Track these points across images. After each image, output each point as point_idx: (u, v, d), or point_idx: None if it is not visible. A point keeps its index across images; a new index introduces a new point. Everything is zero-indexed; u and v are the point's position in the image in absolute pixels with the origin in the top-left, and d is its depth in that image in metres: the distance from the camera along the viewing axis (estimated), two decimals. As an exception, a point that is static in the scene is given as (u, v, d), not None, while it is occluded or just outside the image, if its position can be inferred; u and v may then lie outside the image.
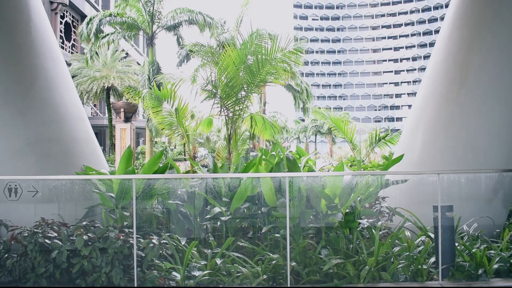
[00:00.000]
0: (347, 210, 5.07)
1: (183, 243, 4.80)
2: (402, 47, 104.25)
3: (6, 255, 4.54)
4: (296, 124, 52.96)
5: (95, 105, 35.69)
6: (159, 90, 8.42)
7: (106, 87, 26.99)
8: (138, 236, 4.52)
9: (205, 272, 4.37)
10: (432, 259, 4.70)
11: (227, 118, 8.08)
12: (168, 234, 4.92)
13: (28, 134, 5.74)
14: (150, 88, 8.07)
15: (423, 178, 5.62)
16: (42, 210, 4.95)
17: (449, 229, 4.65)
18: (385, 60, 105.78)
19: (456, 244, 4.77)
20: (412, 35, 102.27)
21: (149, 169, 5.40)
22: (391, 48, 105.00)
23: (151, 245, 4.39)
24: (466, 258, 4.72)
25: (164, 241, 4.58)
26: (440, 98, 6.25)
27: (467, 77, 5.96)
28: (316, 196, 4.95)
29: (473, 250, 4.75)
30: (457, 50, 6.20)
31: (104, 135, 31.53)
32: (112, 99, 28.12)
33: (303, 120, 53.10)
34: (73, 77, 26.40)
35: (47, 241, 4.39)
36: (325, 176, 5.18)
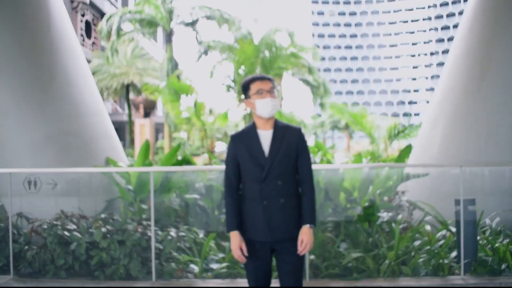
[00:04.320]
0: (366, 204, 5.00)
1: (201, 236, 4.80)
2: (420, 42, 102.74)
3: (27, 247, 4.59)
4: (313, 119, 52.67)
5: (115, 101, 36.03)
6: (180, 86, 8.43)
7: (125, 83, 27.22)
8: (156, 228, 4.53)
9: (223, 264, 4.37)
10: (454, 254, 4.60)
11: (244, 113, 8.09)
12: (186, 227, 4.93)
13: (48, 128, 5.80)
14: (171, 83, 8.08)
15: (444, 172, 5.51)
16: (63, 204, 4.99)
17: (471, 223, 4.55)
18: (403, 55, 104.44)
19: (479, 238, 4.66)
20: (430, 30, 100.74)
21: (166, 163, 5.42)
22: (408, 43, 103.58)
23: (169, 237, 4.40)
24: (489, 252, 4.61)
25: (182, 233, 4.58)
26: (460, 92, 6.14)
27: (488, 70, 5.83)
28: (334, 189, 4.89)
29: (496, 245, 4.63)
30: (477, 43, 6.08)
31: (124, 131, 31.82)
32: (131, 96, 28.36)
33: (320, 116, 52.79)
34: (93, 73, 26.70)
35: (66, 233, 4.43)
36: (344, 168, 5.11)
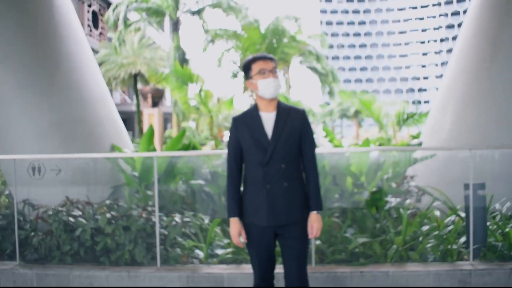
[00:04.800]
0: (374, 189, 4.93)
1: (206, 222, 4.78)
2: (430, 29, 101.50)
3: (33, 234, 4.60)
4: (321, 108, 52.46)
5: (123, 92, 36.12)
6: (185, 72, 8.35)
7: (133, 73, 27.24)
8: (161, 214, 4.51)
9: (228, 250, 4.34)
10: (463, 239, 4.53)
11: (251, 100, 8.02)
12: (192, 213, 4.90)
13: (53, 115, 5.78)
14: (176, 70, 8.02)
15: (454, 156, 5.42)
16: (68, 191, 4.98)
17: (481, 208, 4.46)
18: (412, 42, 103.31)
19: (488, 223, 4.58)
20: (440, 16, 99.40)
21: (171, 149, 5.39)
22: (418, 30, 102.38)
23: (174, 223, 4.37)
24: (499, 238, 4.52)
25: (187, 219, 4.56)
26: (470, 75, 6.02)
27: (498, 52, 5.71)
28: (341, 174, 4.83)
29: (506, 230, 4.55)
30: (488, 25, 5.94)
31: (133, 121, 31.94)
32: (139, 85, 28.40)
33: (329, 104, 52.58)
34: (101, 64, 26.74)
35: (71, 219, 4.42)
36: (350, 152, 5.03)
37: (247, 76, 2.97)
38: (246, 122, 2.95)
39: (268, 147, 2.86)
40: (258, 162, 2.89)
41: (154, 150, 5.35)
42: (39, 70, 5.84)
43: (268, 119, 2.93)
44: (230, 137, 3.01)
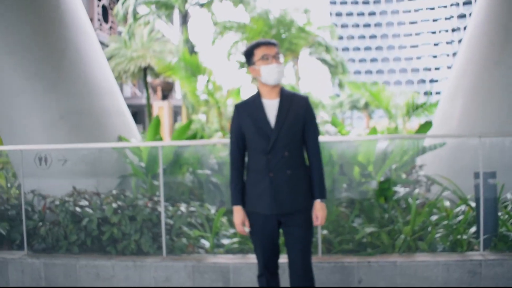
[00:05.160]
0: (382, 178, 4.87)
1: (213, 212, 4.76)
2: (441, 19, 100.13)
3: (41, 224, 4.62)
4: (331, 99, 52.17)
5: (134, 85, 36.23)
6: (193, 62, 8.28)
7: (143, 66, 27.30)
8: (167, 204, 4.50)
9: (234, 240, 4.32)
10: (473, 229, 4.44)
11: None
12: (198, 203, 4.88)
13: (60, 107, 5.78)
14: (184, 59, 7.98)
15: (463, 144, 5.33)
16: (76, 182, 4.98)
17: (492, 197, 4.38)
18: (423, 33, 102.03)
19: (499, 213, 4.50)
20: (451, 5, 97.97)
21: (177, 138, 5.37)
22: (429, 20, 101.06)
23: (179, 212, 4.36)
24: (510, 228, 4.44)
25: (193, 208, 4.54)
26: (481, 61, 5.91)
27: (510, 38, 5.58)
28: (349, 164, 4.77)
29: (518, 219, 4.47)
30: (499, 10, 5.81)
31: (143, 114, 32.06)
32: (149, 79, 28.46)
33: (339, 96, 52.31)
34: (111, 57, 26.82)
35: (78, 209, 4.43)
36: (358, 141, 4.97)
37: (250, 62, 2.92)
38: (248, 110, 2.91)
39: (271, 135, 2.82)
40: (261, 149, 2.85)
41: (160, 140, 5.33)
42: (46, 62, 5.84)
43: (271, 106, 2.89)
44: (232, 124, 2.97)
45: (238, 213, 2.93)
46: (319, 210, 2.89)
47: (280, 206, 2.84)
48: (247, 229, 2.94)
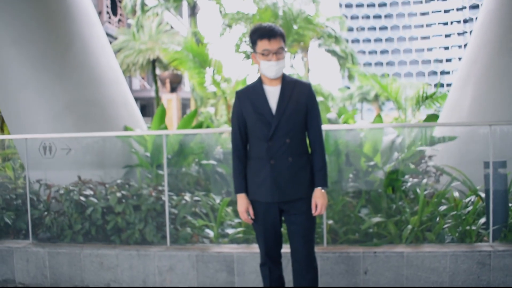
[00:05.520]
0: (389, 169, 4.78)
1: (217, 201, 4.72)
2: (453, 9, 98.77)
3: (46, 213, 4.62)
4: (341, 92, 51.88)
5: (142, 78, 36.30)
6: (199, 51, 8.20)
7: (151, 59, 27.31)
8: (172, 194, 4.47)
9: (239, 229, 4.28)
10: (482, 220, 4.36)
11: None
12: (203, 193, 4.85)
13: (66, 97, 5.77)
14: (188, 48, 7.91)
15: (474, 135, 5.22)
16: (82, 172, 4.97)
17: (502, 187, 4.28)
18: (435, 24, 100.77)
19: (510, 204, 4.40)
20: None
21: (183, 127, 5.33)
22: (440, 11, 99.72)
23: (183, 201, 4.33)
24: (521, 218, 4.35)
25: (197, 198, 4.51)
26: (493, 49, 5.78)
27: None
28: (355, 153, 4.69)
29: (529, 210, 4.36)
30: (512, -3, 5.68)
31: (152, 106, 32.13)
32: (158, 71, 28.48)
33: (349, 88, 52.02)
34: (119, 50, 26.85)
35: (82, 198, 4.42)
36: (365, 132, 4.89)
37: (253, 47, 2.85)
38: (249, 96, 2.85)
39: (272, 122, 2.77)
40: (262, 136, 2.80)
41: (165, 128, 5.30)
42: (51, 52, 5.82)
43: (273, 92, 2.83)
44: (233, 111, 2.92)
45: (242, 200, 2.89)
46: (319, 198, 2.83)
47: (281, 194, 2.78)
48: (251, 217, 2.89)
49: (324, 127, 4.34)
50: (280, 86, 2.83)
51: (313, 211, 2.85)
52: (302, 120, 2.84)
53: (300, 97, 2.83)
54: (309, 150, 2.92)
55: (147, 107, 34.11)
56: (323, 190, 2.86)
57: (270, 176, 2.77)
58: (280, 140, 2.77)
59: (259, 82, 2.87)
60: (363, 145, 4.72)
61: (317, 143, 2.88)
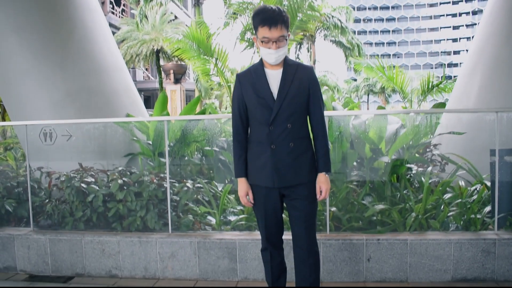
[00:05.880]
0: (394, 156, 4.72)
1: (220, 189, 4.69)
2: (461, 1, 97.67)
3: (47, 201, 4.61)
4: (347, 84, 51.62)
5: (146, 69, 36.27)
6: (201, 39, 8.12)
7: (155, 49, 27.21)
8: (173, 180, 4.43)
9: (241, 216, 4.24)
10: (487, 208, 4.29)
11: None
12: (206, 181, 4.81)
13: (68, 85, 5.74)
14: (190, 36, 7.83)
15: (480, 124, 5.14)
16: (84, 162, 4.94)
17: (508, 175, 4.21)
18: (443, 15, 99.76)
19: (516, 192, 4.33)
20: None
21: (186, 114, 5.28)
22: (449, 2, 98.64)
23: (185, 188, 4.29)
24: (527, 207, 4.27)
25: (199, 185, 4.47)
26: (501, 37, 5.67)
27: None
28: (360, 141, 4.63)
29: (535, 199, 4.29)
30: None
31: (155, 98, 32.12)
32: (161, 62, 28.40)
33: (355, 80, 51.76)
34: (123, 40, 26.81)
35: (83, 185, 4.39)
36: (369, 119, 4.82)
37: (254, 30, 2.78)
38: (250, 79, 2.79)
39: (273, 106, 2.71)
40: (263, 121, 2.74)
41: (167, 115, 5.26)
42: (52, 40, 5.79)
43: (274, 76, 2.76)
44: (234, 95, 2.86)
45: (242, 184, 2.85)
46: (323, 183, 2.78)
47: (282, 179, 2.73)
48: (251, 202, 2.85)
49: (329, 113, 4.29)
50: (282, 70, 2.77)
51: (317, 196, 2.80)
52: (304, 104, 2.78)
53: (302, 81, 2.76)
54: (311, 134, 2.86)
55: (151, 98, 34.13)
56: (327, 175, 2.81)
57: (270, 161, 2.72)
58: (281, 125, 2.71)
59: (261, 64, 2.81)
60: (368, 132, 4.65)
61: (320, 127, 2.82)
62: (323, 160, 2.81)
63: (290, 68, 2.78)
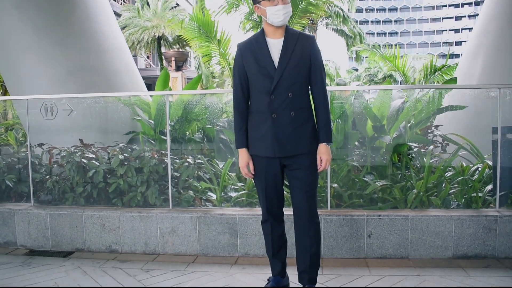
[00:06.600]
0: (396, 134, 4.70)
1: (221, 166, 4.67)
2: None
3: (48, 176, 4.60)
4: (348, 74, 51.41)
5: (148, 57, 36.09)
6: (205, 21, 8.05)
7: (157, 36, 27.07)
8: (174, 157, 4.42)
9: (242, 192, 4.23)
10: (489, 187, 4.28)
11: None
12: (207, 159, 4.80)
13: (69, 63, 5.71)
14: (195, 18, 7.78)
15: (483, 102, 5.11)
16: (84, 137, 4.93)
17: (510, 153, 4.19)
18: (445, 6, 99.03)
19: (518, 170, 4.30)
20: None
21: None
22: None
23: (186, 164, 4.28)
24: (529, 185, 4.26)
25: (199, 161, 4.45)
26: (504, 19, 5.65)
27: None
28: (361, 118, 4.61)
29: (537, 177, 4.27)
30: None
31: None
32: (163, 49, 28.27)
33: (356, 70, 51.56)
34: (124, 27, 26.65)
35: (84, 161, 4.38)
36: (372, 90, 4.79)
37: (255, 0, 2.75)
38: (251, 49, 2.76)
39: (274, 75, 2.68)
40: (264, 90, 2.72)
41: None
42: (54, 17, 5.75)
43: (275, 45, 2.74)
44: (235, 65, 2.83)
45: (243, 155, 2.83)
46: (324, 153, 2.76)
47: (283, 148, 2.71)
48: (251, 172, 2.84)
49: (332, 88, 4.26)
50: (283, 39, 2.74)
51: (318, 167, 2.79)
52: (306, 73, 2.75)
53: (304, 50, 2.74)
54: (312, 104, 2.84)
55: (152, 86, 34.01)
56: (327, 146, 2.79)
57: (271, 130, 2.70)
58: (282, 94, 2.68)
59: (262, 34, 2.78)
60: (371, 108, 4.62)
61: (321, 97, 2.79)
62: (324, 131, 2.78)
63: (291, 37, 2.75)
